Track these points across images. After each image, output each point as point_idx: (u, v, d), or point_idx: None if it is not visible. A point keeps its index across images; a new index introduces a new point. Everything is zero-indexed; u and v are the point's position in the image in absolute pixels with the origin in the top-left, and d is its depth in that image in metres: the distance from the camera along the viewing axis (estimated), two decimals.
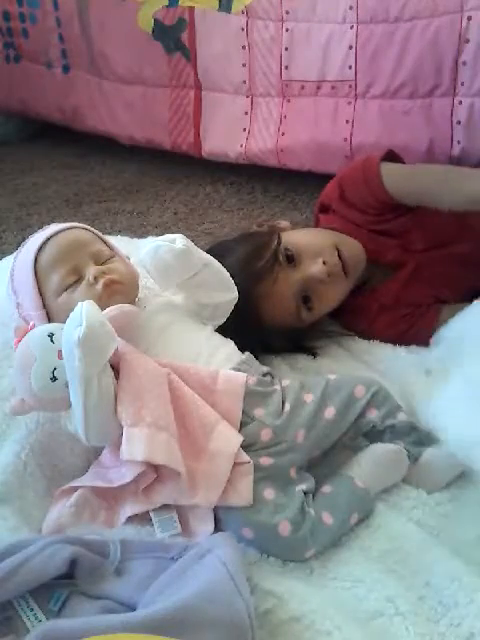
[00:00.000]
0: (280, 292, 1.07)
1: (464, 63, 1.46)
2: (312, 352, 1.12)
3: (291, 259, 1.08)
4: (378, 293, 1.18)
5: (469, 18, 1.41)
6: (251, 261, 1.06)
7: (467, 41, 1.43)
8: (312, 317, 1.12)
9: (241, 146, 1.78)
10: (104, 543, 0.75)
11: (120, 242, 1.12)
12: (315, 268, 1.07)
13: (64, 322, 0.80)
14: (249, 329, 1.03)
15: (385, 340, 1.15)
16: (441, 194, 1.13)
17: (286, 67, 1.66)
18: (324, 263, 1.08)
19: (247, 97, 1.76)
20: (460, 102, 1.49)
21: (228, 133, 1.81)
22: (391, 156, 1.20)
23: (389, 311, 1.17)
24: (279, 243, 1.08)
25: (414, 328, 1.16)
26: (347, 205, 1.19)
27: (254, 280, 1.04)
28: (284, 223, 1.21)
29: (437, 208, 1.13)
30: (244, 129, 1.78)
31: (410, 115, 1.55)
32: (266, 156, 1.76)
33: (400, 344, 1.14)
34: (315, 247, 1.10)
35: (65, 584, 0.72)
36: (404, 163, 1.23)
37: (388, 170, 1.16)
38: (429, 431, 0.92)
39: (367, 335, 1.17)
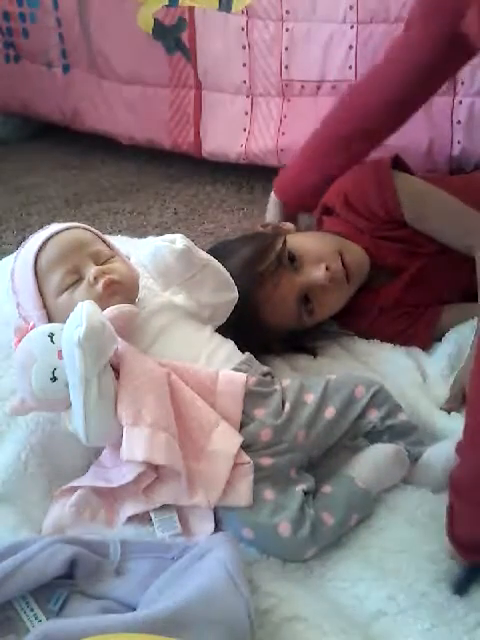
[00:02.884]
0: (282, 296, 1.06)
1: None
2: (312, 352, 1.12)
3: (294, 263, 1.08)
4: (379, 295, 1.18)
5: None
6: (254, 263, 1.05)
7: None
8: (312, 321, 1.12)
9: (241, 146, 1.78)
10: (104, 543, 0.75)
11: (120, 242, 1.12)
12: (317, 273, 1.07)
13: (64, 322, 0.80)
14: (249, 330, 1.02)
15: (384, 338, 1.15)
16: (448, 234, 1.14)
17: (286, 67, 1.66)
18: (327, 269, 1.07)
19: (247, 97, 1.76)
20: (460, 102, 1.50)
21: (228, 133, 1.81)
22: (396, 160, 1.19)
23: (389, 312, 1.17)
24: (283, 246, 1.08)
25: (414, 327, 1.17)
26: (352, 211, 1.18)
27: (256, 282, 1.04)
28: (288, 225, 1.21)
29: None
30: (244, 129, 1.78)
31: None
32: (266, 156, 1.76)
33: (400, 344, 1.14)
34: (318, 252, 1.10)
35: (65, 584, 0.72)
36: (409, 168, 1.22)
37: (405, 188, 1.14)
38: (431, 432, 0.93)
39: (366, 335, 1.17)
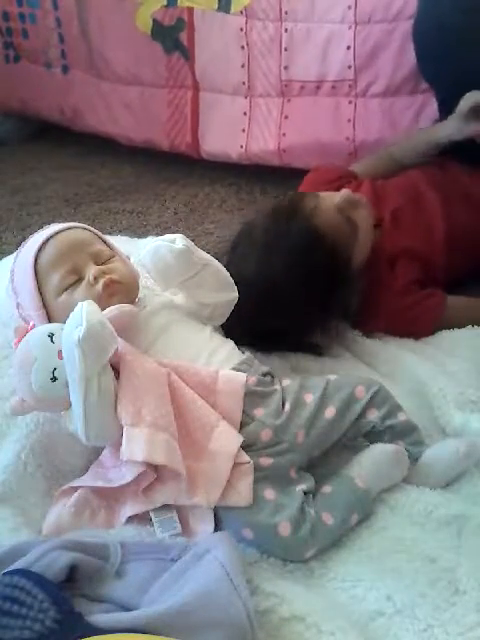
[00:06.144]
0: (325, 205, 1.13)
1: None
2: (317, 351, 1.12)
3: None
4: (374, 252, 1.20)
5: None
6: (290, 196, 1.17)
7: None
8: (361, 241, 1.14)
9: (241, 147, 1.78)
10: (104, 546, 0.75)
11: (120, 242, 1.12)
12: (346, 191, 1.16)
13: (64, 322, 0.80)
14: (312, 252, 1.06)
15: (389, 316, 1.16)
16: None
17: (285, 67, 1.66)
18: None
19: (245, 98, 1.76)
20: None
21: (227, 134, 1.80)
22: None
23: (396, 263, 1.22)
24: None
25: (417, 309, 1.17)
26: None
27: (298, 199, 1.13)
28: None
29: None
30: (243, 130, 1.77)
31: (411, 112, 1.55)
32: (268, 156, 1.75)
33: (401, 327, 1.15)
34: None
35: (66, 587, 0.72)
36: None
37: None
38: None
39: (375, 309, 1.17)
